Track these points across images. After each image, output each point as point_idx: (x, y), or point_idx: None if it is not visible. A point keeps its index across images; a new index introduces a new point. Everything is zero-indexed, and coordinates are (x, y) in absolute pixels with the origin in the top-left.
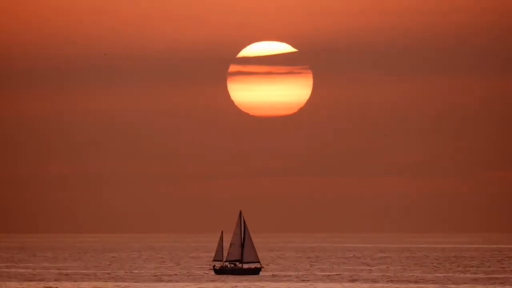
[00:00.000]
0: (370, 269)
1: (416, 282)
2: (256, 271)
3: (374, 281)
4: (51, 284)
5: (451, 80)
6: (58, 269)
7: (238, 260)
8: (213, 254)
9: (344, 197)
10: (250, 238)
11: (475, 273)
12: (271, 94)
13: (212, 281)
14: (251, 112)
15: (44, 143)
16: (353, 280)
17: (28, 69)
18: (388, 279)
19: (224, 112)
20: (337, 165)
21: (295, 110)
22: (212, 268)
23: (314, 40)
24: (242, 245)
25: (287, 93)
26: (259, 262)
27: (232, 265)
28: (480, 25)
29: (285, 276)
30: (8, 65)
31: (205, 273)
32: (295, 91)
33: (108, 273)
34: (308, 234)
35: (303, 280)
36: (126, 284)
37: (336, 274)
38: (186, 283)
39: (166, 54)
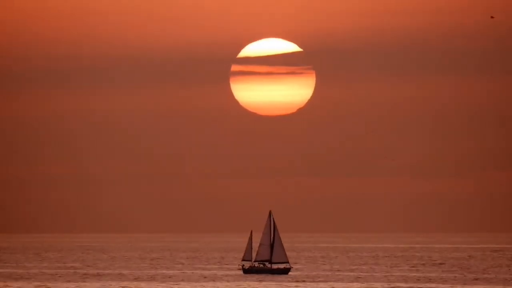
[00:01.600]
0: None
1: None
2: (284, 271)
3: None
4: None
5: (454, 80)
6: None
7: (267, 260)
8: (242, 254)
9: (365, 197)
10: (280, 238)
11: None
12: (278, 93)
13: (240, 280)
14: (259, 112)
15: (40, 143)
16: (387, 281)
17: (25, 70)
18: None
19: (231, 112)
20: (354, 165)
21: (304, 108)
22: (240, 268)
23: (318, 40)
24: (272, 245)
25: (289, 93)
26: (288, 262)
27: (261, 265)
28: (484, 25)
29: (313, 276)
30: (6, 66)
31: (233, 272)
32: (298, 90)
33: (140, 273)
34: (335, 234)
35: (332, 281)
36: (157, 283)
37: (367, 274)
38: (215, 283)
39: (167, 54)
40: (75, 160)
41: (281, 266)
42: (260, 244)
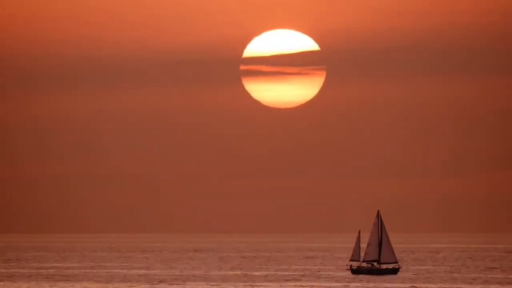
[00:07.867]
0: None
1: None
2: (393, 271)
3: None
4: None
5: (473, 80)
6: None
7: (376, 260)
8: (349, 254)
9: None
10: (388, 238)
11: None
12: (297, 92)
13: (349, 281)
14: (279, 106)
15: (18, 144)
16: (485, 282)
17: (4, 71)
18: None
19: (253, 109)
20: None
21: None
22: (349, 268)
23: (334, 39)
24: (380, 245)
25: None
26: (397, 262)
27: (369, 265)
28: (505, 26)
29: (424, 278)
30: None
31: (342, 273)
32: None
33: (253, 271)
34: (431, 234)
35: (442, 282)
36: (261, 283)
37: (475, 277)
38: (324, 283)
39: (174, 55)
40: (74, 161)
41: (390, 266)
42: (368, 244)
